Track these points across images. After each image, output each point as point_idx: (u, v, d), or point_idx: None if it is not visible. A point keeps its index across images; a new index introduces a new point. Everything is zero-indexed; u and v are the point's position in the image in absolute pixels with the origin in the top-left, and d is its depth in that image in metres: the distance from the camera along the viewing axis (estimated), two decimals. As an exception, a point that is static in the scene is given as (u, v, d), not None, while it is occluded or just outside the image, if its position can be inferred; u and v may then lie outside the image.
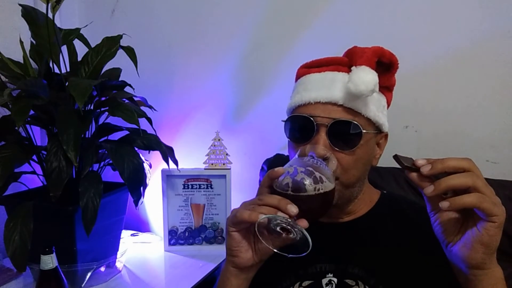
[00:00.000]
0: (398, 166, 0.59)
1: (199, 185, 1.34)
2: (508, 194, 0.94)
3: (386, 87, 0.77)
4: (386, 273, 0.72)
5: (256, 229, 0.57)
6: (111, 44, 1.12)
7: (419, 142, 1.16)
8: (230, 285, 0.66)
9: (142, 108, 1.15)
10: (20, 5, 1.02)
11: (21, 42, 1.06)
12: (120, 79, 1.21)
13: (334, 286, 0.73)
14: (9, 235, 0.94)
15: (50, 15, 0.98)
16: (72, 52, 1.16)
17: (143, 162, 1.11)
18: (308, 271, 0.75)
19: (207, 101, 1.42)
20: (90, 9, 1.54)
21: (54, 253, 0.86)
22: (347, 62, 0.73)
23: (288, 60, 1.28)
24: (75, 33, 1.13)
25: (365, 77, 0.67)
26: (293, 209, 0.55)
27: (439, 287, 0.69)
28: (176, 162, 1.22)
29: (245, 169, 1.38)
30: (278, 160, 1.18)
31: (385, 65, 0.73)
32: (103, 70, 1.15)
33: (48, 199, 0.93)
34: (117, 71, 1.23)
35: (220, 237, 1.35)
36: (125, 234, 1.40)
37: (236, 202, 1.35)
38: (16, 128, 1.00)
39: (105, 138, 1.20)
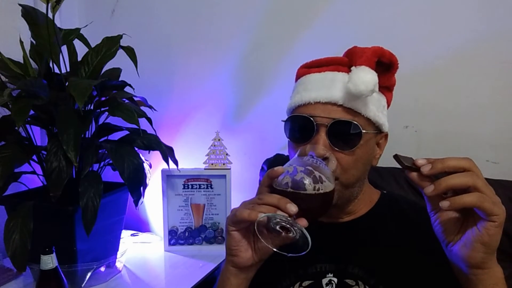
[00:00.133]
0: (398, 166, 0.59)
1: (199, 185, 1.34)
2: (508, 194, 0.94)
3: (386, 87, 0.77)
4: (386, 273, 0.72)
5: (255, 228, 0.57)
6: (111, 44, 1.12)
7: (419, 142, 1.16)
8: (230, 284, 0.66)
9: (142, 108, 1.15)
10: (20, 5, 1.02)
11: (21, 42, 1.06)
12: (120, 79, 1.21)
13: (334, 286, 0.73)
14: (9, 235, 0.94)
15: (50, 15, 0.98)
16: (72, 52, 1.16)
17: (143, 162, 1.11)
18: (308, 271, 0.75)
19: (207, 101, 1.42)
20: (90, 9, 1.54)
21: (54, 253, 0.86)
22: (347, 62, 0.73)
23: (288, 60, 1.28)
24: (75, 33, 1.13)
25: (365, 77, 0.67)
26: (293, 208, 0.55)
27: (439, 287, 0.69)
28: (176, 162, 1.22)
29: (245, 169, 1.38)
30: (278, 160, 1.18)
31: (385, 65, 0.73)
32: (103, 70, 1.15)
33: (48, 199, 0.93)
34: (117, 71, 1.23)
35: (220, 237, 1.35)
36: (125, 234, 1.40)
37: (236, 202, 1.34)
38: (16, 128, 1.00)
39: (105, 138, 1.20)
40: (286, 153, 0.85)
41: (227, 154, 1.31)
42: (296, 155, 0.67)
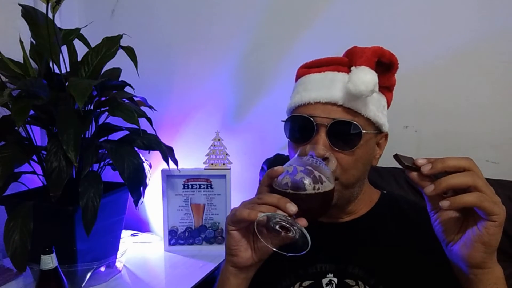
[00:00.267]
0: (398, 166, 0.59)
1: (199, 185, 1.34)
2: (508, 194, 0.94)
3: (386, 87, 0.77)
4: (386, 273, 0.72)
5: (255, 227, 0.57)
6: (111, 44, 1.12)
7: (419, 142, 1.16)
8: (230, 284, 0.66)
9: (142, 108, 1.15)
10: (20, 5, 1.02)
11: (21, 42, 1.06)
12: (120, 79, 1.21)
13: (334, 286, 0.73)
14: (9, 235, 0.94)
15: (50, 15, 0.98)
16: (72, 52, 1.16)
17: (143, 162, 1.11)
18: (308, 271, 0.75)
19: (207, 101, 1.42)
20: (90, 9, 1.54)
21: (54, 253, 0.86)
22: (347, 62, 0.73)
23: (288, 60, 1.28)
24: (75, 33, 1.13)
25: (365, 77, 0.67)
26: (293, 207, 0.55)
27: (439, 287, 0.69)
28: (176, 162, 1.22)
29: (245, 169, 1.38)
30: (278, 160, 1.18)
31: (385, 65, 0.73)
32: (103, 70, 1.15)
33: (48, 199, 0.93)
34: (117, 71, 1.23)
35: (220, 237, 1.35)
36: (125, 234, 1.40)
37: (236, 202, 1.34)
38: (16, 128, 1.00)
39: (105, 138, 1.20)
40: (286, 153, 0.85)
41: (227, 154, 1.31)
42: (296, 155, 0.67)
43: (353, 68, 0.69)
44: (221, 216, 1.35)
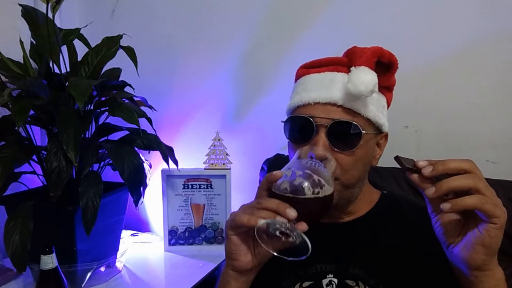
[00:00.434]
0: (398, 166, 0.59)
1: (199, 185, 1.34)
2: (508, 194, 0.94)
3: (386, 87, 0.77)
4: (386, 274, 0.72)
5: (255, 233, 0.57)
6: (111, 44, 1.12)
7: (419, 142, 1.17)
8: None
9: (142, 108, 1.15)
10: (20, 5, 1.02)
11: (21, 42, 1.06)
12: (120, 79, 1.21)
13: (334, 286, 0.73)
14: (9, 235, 0.94)
15: (50, 15, 0.98)
16: (72, 52, 1.16)
17: (143, 162, 1.11)
18: (309, 271, 0.75)
19: (207, 101, 1.42)
20: (90, 9, 1.54)
21: (54, 253, 0.86)
22: (346, 62, 0.73)
23: (288, 60, 1.28)
24: (75, 33, 1.13)
25: (364, 77, 0.67)
26: (292, 213, 0.55)
27: (440, 287, 0.69)
28: (176, 162, 1.22)
29: (245, 169, 1.38)
30: (278, 160, 1.18)
31: (384, 65, 0.73)
32: (103, 70, 1.15)
33: (48, 199, 0.93)
34: (117, 71, 1.23)
35: (220, 237, 1.35)
36: (125, 234, 1.40)
37: (236, 202, 1.34)
38: (16, 128, 1.00)
39: (105, 138, 1.20)
40: (286, 153, 0.85)
41: (227, 154, 1.31)
42: (295, 157, 0.66)
43: (352, 68, 0.69)
44: (221, 216, 1.35)
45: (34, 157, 1.07)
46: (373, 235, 0.77)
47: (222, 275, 0.68)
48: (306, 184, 0.57)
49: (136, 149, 1.11)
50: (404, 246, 0.74)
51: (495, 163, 1.09)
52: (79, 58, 1.15)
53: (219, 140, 1.31)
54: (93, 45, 1.14)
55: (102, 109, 1.11)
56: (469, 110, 1.10)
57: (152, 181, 1.33)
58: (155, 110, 1.22)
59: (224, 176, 1.32)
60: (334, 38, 1.20)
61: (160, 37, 1.45)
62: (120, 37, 1.13)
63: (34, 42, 1.07)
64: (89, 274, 1.08)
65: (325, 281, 0.74)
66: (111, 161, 1.10)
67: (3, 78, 1.06)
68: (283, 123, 0.78)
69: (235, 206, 1.34)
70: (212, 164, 1.32)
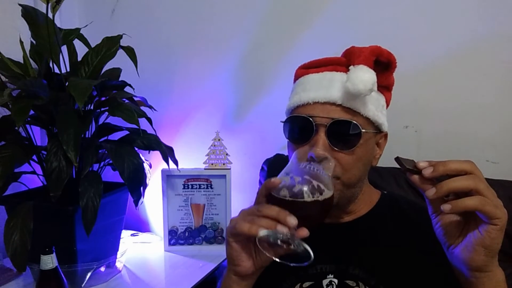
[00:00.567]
0: (398, 166, 0.59)
1: (199, 185, 1.34)
2: (509, 194, 0.94)
3: (385, 87, 0.77)
4: (386, 274, 0.72)
5: (257, 243, 0.57)
6: (111, 44, 1.12)
7: (419, 142, 1.17)
8: None
9: (142, 108, 1.15)
10: (20, 5, 1.02)
11: (21, 42, 1.06)
12: (120, 79, 1.21)
13: (334, 287, 0.73)
14: (9, 235, 0.94)
15: (50, 15, 0.98)
16: (72, 52, 1.16)
17: (143, 162, 1.11)
18: (309, 272, 0.75)
19: (207, 101, 1.42)
20: (90, 9, 1.54)
21: (54, 253, 0.86)
22: (345, 62, 0.73)
23: (288, 60, 1.28)
24: (75, 33, 1.13)
25: (363, 76, 0.67)
26: (293, 220, 0.55)
27: (440, 287, 0.69)
28: (176, 162, 1.22)
29: (245, 169, 1.38)
30: (278, 160, 1.18)
31: (383, 64, 0.73)
32: (103, 70, 1.15)
33: (48, 199, 0.93)
34: (117, 71, 1.23)
35: (220, 237, 1.35)
36: (125, 234, 1.40)
37: (236, 202, 1.34)
38: (16, 128, 1.00)
39: (105, 138, 1.20)
40: (286, 153, 0.85)
41: (227, 154, 1.31)
42: (293, 159, 0.65)
43: (351, 67, 0.69)
44: (221, 216, 1.35)
45: (34, 157, 1.07)
46: (373, 235, 0.77)
47: (224, 279, 0.68)
48: (305, 189, 0.57)
49: (136, 149, 1.11)
50: (404, 246, 0.74)
51: (495, 163, 1.09)
52: (79, 58, 1.15)
53: (219, 140, 1.31)
54: (93, 45, 1.14)
55: (102, 109, 1.11)
56: (469, 110, 1.10)
57: (152, 181, 1.33)
58: (155, 110, 1.22)
59: (224, 176, 1.32)
60: (334, 38, 1.20)
61: (160, 37, 1.45)
62: (120, 37, 1.13)
63: (34, 42, 1.07)
64: (89, 274, 1.08)
65: (325, 282, 0.73)
66: (111, 161, 1.10)
67: (3, 78, 1.06)
68: (282, 123, 0.78)
69: (235, 206, 1.34)
70: (212, 164, 1.32)
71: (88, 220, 0.96)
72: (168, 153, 1.19)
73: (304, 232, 0.56)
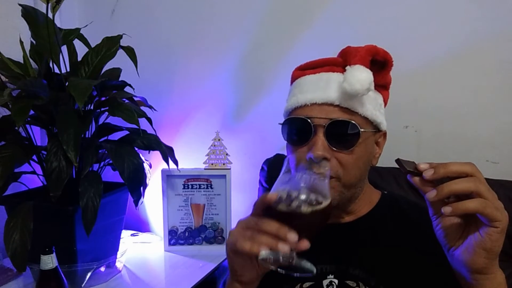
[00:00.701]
0: (398, 166, 0.59)
1: (199, 185, 1.34)
2: (508, 194, 0.94)
3: (382, 85, 0.77)
4: (387, 274, 0.72)
5: (259, 260, 0.57)
6: (111, 44, 1.12)
7: (419, 142, 1.16)
8: None
9: (142, 108, 1.15)
10: (20, 5, 1.02)
11: (21, 42, 1.06)
12: (120, 79, 1.21)
13: (335, 287, 0.73)
14: (9, 235, 0.94)
15: (50, 15, 0.98)
16: (72, 52, 1.16)
17: (143, 162, 1.11)
18: (309, 272, 0.75)
19: (207, 101, 1.42)
20: (90, 9, 1.54)
21: (54, 253, 0.86)
22: (341, 62, 0.73)
23: (288, 60, 1.28)
24: (75, 33, 1.13)
25: (360, 75, 0.67)
26: (293, 236, 0.54)
27: (440, 287, 0.69)
28: (176, 162, 1.22)
29: (245, 169, 1.38)
30: (278, 160, 1.18)
31: (379, 63, 0.73)
32: (103, 70, 1.15)
33: (48, 199, 0.93)
34: (117, 71, 1.23)
35: (220, 237, 1.35)
36: (125, 234, 1.40)
37: (236, 202, 1.35)
38: (16, 128, 1.00)
39: (105, 138, 1.20)
40: (286, 153, 0.85)
41: (227, 154, 1.31)
42: (289, 167, 0.64)
43: (347, 67, 0.69)
44: (221, 216, 1.35)
45: (34, 157, 1.07)
46: (373, 235, 0.77)
47: (227, 287, 0.68)
48: (303, 200, 0.56)
49: (136, 149, 1.11)
50: (405, 247, 0.74)
51: (495, 163, 1.09)
52: (79, 58, 1.15)
53: (219, 140, 1.31)
54: (93, 45, 1.14)
55: (102, 109, 1.11)
56: (469, 110, 1.10)
57: (152, 181, 1.33)
58: (155, 110, 1.22)
59: (224, 176, 1.32)
60: (334, 38, 1.20)
61: (160, 37, 1.45)
62: (120, 37, 1.13)
63: (34, 42, 1.07)
64: (89, 274, 1.08)
65: (325, 282, 0.73)
66: (111, 161, 1.10)
67: (3, 78, 1.06)
68: (280, 125, 0.77)
69: (235, 206, 1.34)
70: (212, 164, 1.32)
71: (88, 220, 0.96)
72: (168, 153, 1.19)
73: (305, 244, 0.55)
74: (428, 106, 1.14)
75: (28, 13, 1.02)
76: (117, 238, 1.22)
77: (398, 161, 0.58)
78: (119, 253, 1.21)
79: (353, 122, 0.70)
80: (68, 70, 1.14)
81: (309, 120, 0.70)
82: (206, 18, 1.38)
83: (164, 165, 1.19)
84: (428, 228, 0.61)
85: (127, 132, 1.17)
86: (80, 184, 0.97)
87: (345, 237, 0.77)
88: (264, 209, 0.60)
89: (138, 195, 1.08)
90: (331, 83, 0.71)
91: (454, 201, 0.54)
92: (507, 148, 1.08)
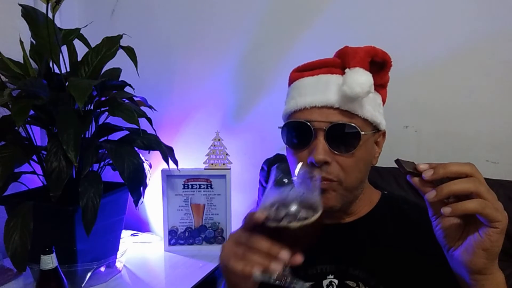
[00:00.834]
0: (397, 166, 0.59)
1: (199, 185, 1.34)
2: (508, 194, 0.94)
3: (380, 85, 0.76)
4: (386, 274, 0.71)
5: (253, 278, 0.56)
6: (111, 44, 1.12)
7: (419, 142, 1.16)
8: None
9: (142, 108, 1.15)
10: (20, 5, 1.02)
11: (21, 42, 1.06)
12: (120, 79, 1.21)
13: (335, 287, 0.73)
14: (9, 235, 0.94)
15: (50, 15, 0.98)
16: (72, 52, 1.16)
17: (143, 162, 1.11)
18: (309, 272, 0.75)
19: (207, 101, 1.42)
20: (90, 9, 1.54)
21: (54, 253, 0.86)
22: (339, 63, 0.72)
23: (288, 60, 1.28)
24: (75, 33, 1.13)
25: (360, 79, 0.66)
26: (285, 254, 0.54)
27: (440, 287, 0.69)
28: (176, 162, 1.22)
29: (245, 169, 1.38)
30: (278, 160, 1.18)
31: (378, 64, 0.72)
32: (103, 70, 1.15)
33: (48, 199, 0.93)
34: (117, 71, 1.23)
35: (220, 237, 1.35)
36: (125, 234, 1.40)
37: (236, 202, 1.35)
38: (16, 128, 1.00)
39: (105, 138, 1.20)
40: (286, 153, 0.85)
41: (227, 154, 1.31)
42: (276, 176, 0.62)
43: (347, 70, 0.69)
44: (221, 216, 1.35)
45: (34, 157, 1.07)
46: (373, 235, 0.77)
47: None
48: (293, 215, 0.55)
49: (136, 149, 1.11)
50: (405, 247, 0.74)
51: (495, 163, 1.09)
52: (79, 58, 1.15)
53: (219, 140, 1.31)
54: (93, 45, 1.14)
55: (102, 109, 1.11)
56: (469, 110, 1.10)
57: (152, 181, 1.33)
58: (155, 110, 1.22)
59: (224, 176, 1.32)
60: (334, 38, 1.20)
61: (160, 37, 1.45)
62: (120, 37, 1.13)
63: (34, 42, 1.07)
64: (89, 274, 1.08)
65: (325, 282, 0.73)
66: (111, 161, 1.10)
67: (3, 78, 1.06)
68: (280, 128, 0.77)
69: (235, 206, 1.34)
70: (212, 164, 1.32)
71: (88, 220, 0.96)
72: (168, 153, 1.19)
73: (299, 258, 0.55)
74: (428, 106, 1.14)
75: (28, 13, 1.02)
76: (117, 238, 1.22)
77: (397, 161, 0.58)
78: (119, 253, 1.21)
79: (354, 125, 0.69)
80: (68, 70, 1.14)
81: (309, 124, 0.70)
82: (206, 18, 1.38)
83: (164, 165, 1.19)
84: (428, 228, 0.61)
85: (127, 132, 1.17)
86: (80, 184, 0.97)
87: (345, 237, 0.77)
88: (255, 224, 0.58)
89: (138, 195, 1.08)
90: (330, 85, 0.71)
91: (453, 202, 0.53)
92: (507, 148, 1.08)
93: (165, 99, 1.46)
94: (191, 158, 1.37)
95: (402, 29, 1.13)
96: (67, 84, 1.03)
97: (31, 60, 1.08)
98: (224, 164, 1.32)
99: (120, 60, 1.15)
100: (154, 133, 1.16)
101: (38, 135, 1.23)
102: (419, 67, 1.12)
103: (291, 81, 0.79)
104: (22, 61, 1.07)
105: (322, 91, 0.71)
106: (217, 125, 1.39)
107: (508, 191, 0.95)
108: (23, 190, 1.16)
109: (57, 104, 1.03)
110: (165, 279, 1.19)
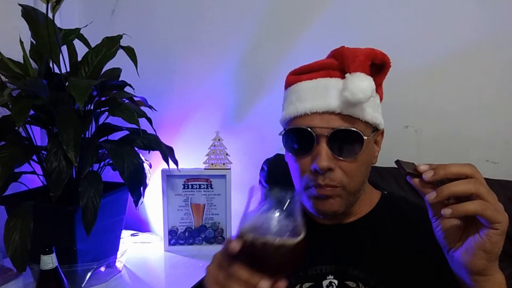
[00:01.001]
0: (397, 167, 0.58)
1: (199, 185, 1.34)
2: (508, 194, 0.94)
3: (377, 85, 0.76)
4: (386, 275, 0.71)
5: None
6: (111, 44, 1.12)
7: (419, 142, 1.16)
8: None
9: (142, 108, 1.15)
10: (20, 5, 1.02)
11: (21, 42, 1.06)
12: (120, 79, 1.21)
13: (334, 287, 0.73)
14: (9, 235, 0.94)
15: (50, 15, 0.98)
16: (72, 52, 1.16)
17: (143, 162, 1.11)
18: (309, 272, 0.75)
19: (207, 101, 1.42)
20: (90, 9, 1.54)
21: (54, 253, 0.86)
22: (337, 65, 0.72)
23: (288, 60, 1.28)
24: (75, 33, 1.13)
25: (361, 84, 0.66)
26: (265, 284, 0.52)
27: (440, 288, 0.69)
28: (176, 162, 1.22)
29: (245, 169, 1.38)
30: (278, 160, 1.17)
31: (377, 66, 0.72)
32: (103, 70, 1.15)
33: (48, 199, 0.93)
34: (117, 71, 1.23)
35: (220, 237, 1.35)
36: (125, 234, 1.40)
37: (236, 202, 1.34)
38: (16, 128, 1.00)
39: (105, 138, 1.20)
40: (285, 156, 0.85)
41: (227, 154, 1.31)
42: (258, 198, 0.60)
43: (347, 75, 0.68)
44: (221, 216, 1.35)
45: (34, 157, 1.07)
46: (373, 236, 0.76)
47: None
48: (272, 240, 0.52)
49: (136, 149, 1.11)
50: (405, 247, 0.74)
51: (495, 163, 1.09)
52: (79, 58, 1.15)
53: (219, 140, 1.31)
54: (93, 45, 1.14)
55: (102, 109, 1.11)
56: (469, 110, 1.10)
57: (152, 181, 1.33)
58: (155, 110, 1.22)
59: (224, 176, 1.32)
60: (334, 38, 1.20)
61: (160, 37, 1.45)
62: (120, 37, 1.13)
63: (34, 42, 1.07)
64: (89, 274, 1.08)
65: (325, 283, 0.73)
66: (111, 161, 1.10)
67: (3, 78, 1.06)
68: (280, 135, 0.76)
69: (235, 206, 1.34)
70: (212, 164, 1.32)
71: (88, 220, 0.96)
72: (168, 153, 1.19)
73: (281, 285, 0.53)
74: (428, 106, 1.14)
75: (28, 13, 1.02)
76: (117, 238, 1.22)
77: (397, 162, 0.58)
78: (119, 253, 1.21)
79: (356, 129, 0.69)
80: (68, 70, 1.14)
81: (310, 130, 0.69)
82: (206, 18, 1.38)
83: (164, 165, 1.19)
84: (428, 228, 0.61)
85: (127, 132, 1.17)
86: (80, 184, 0.97)
87: (345, 237, 0.77)
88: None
89: (138, 195, 1.08)
90: (330, 90, 0.70)
91: (454, 203, 0.53)
92: (507, 148, 1.08)
93: (165, 99, 1.46)
94: (191, 158, 1.37)
95: (402, 29, 1.13)
96: (67, 84, 1.03)
97: (31, 60, 1.08)
98: (224, 164, 1.32)
99: (120, 60, 1.15)
100: (154, 133, 1.16)
101: (38, 135, 1.23)
102: (420, 67, 1.12)
103: (288, 84, 0.78)
104: (22, 61, 1.07)
105: (322, 96, 0.70)
106: (217, 125, 1.39)
107: (508, 191, 0.95)
108: (23, 190, 1.15)
109: (57, 104, 1.03)
110: (165, 279, 1.19)
